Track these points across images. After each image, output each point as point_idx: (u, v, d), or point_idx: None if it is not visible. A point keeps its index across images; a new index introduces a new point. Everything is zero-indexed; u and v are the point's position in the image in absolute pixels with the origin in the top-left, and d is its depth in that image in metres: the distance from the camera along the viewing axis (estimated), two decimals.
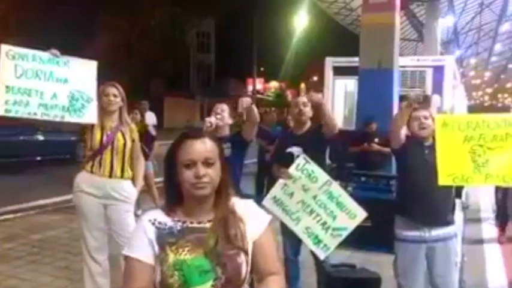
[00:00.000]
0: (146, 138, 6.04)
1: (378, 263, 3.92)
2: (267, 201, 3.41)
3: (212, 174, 1.46)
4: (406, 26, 19.16)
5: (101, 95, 3.38)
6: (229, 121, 3.53)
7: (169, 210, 1.52)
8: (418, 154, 2.99)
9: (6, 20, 19.87)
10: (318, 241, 3.30)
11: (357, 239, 3.45)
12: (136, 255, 1.46)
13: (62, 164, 10.55)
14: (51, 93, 3.31)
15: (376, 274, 3.51)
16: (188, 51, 35.10)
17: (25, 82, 3.23)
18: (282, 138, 3.96)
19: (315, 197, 3.31)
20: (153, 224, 1.48)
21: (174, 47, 29.67)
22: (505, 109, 38.49)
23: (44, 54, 3.32)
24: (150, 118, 8.36)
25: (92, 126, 3.36)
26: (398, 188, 3.54)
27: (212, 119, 3.39)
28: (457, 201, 3.20)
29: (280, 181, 3.41)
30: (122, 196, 3.33)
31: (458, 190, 3.03)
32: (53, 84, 3.32)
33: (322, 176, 3.32)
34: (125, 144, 3.35)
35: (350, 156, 6.85)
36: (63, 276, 4.18)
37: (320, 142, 3.50)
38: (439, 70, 8.86)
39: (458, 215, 3.33)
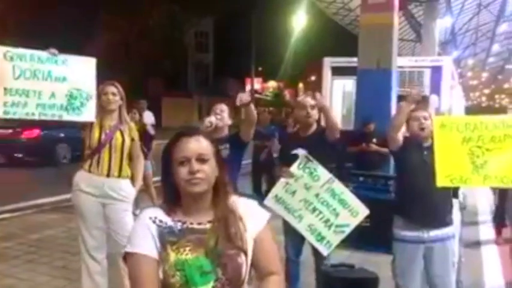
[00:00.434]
0: (144, 138, 6.02)
1: (376, 263, 3.92)
2: (268, 200, 3.41)
3: (206, 170, 1.46)
4: (404, 27, 19.18)
5: (100, 94, 3.37)
6: (229, 122, 3.52)
7: (169, 210, 1.51)
8: (416, 155, 2.99)
9: (5, 20, 19.83)
10: (321, 238, 3.30)
11: (356, 239, 3.45)
12: (142, 251, 1.43)
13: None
14: (49, 93, 3.30)
15: (374, 274, 3.52)
16: (186, 50, 35.08)
17: (23, 83, 3.23)
18: (287, 140, 3.95)
19: (317, 195, 3.31)
20: (154, 221, 1.47)
21: (172, 47, 29.64)
22: (502, 110, 38.60)
23: (42, 54, 3.32)
24: (148, 117, 8.34)
25: (91, 124, 3.35)
26: (397, 189, 3.55)
27: (212, 119, 3.38)
28: (455, 201, 3.21)
29: (282, 180, 3.40)
30: (119, 195, 3.33)
31: (455, 190, 3.04)
32: (51, 84, 3.31)
33: (324, 174, 3.32)
34: (123, 143, 3.34)
35: (349, 156, 6.86)
36: (61, 275, 4.17)
37: (325, 145, 3.47)
38: (437, 71, 8.88)
39: (456, 216, 3.34)
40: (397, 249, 3.07)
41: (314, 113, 3.52)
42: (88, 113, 3.37)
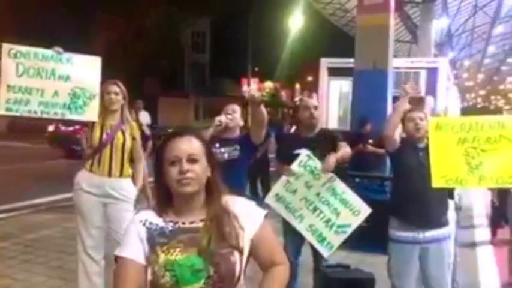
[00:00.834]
0: (141, 138, 6.01)
1: (372, 263, 3.94)
2: (269, 198, 3.40)
3: (197, 170, 1.47)
4: (400, 28, 19.23)
5: (103, 93, 3.35)
6: (241, 123, 3.44)
7: (160, 210, 1.53)
8: (412, 156, 3.00)
9: (1, 19, 19.74)
10: (322, 239, 3.28)
11: (353, 240, 3.46)
12: (129, 255, 1.46)
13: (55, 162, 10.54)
14: (52, 91, 3.30)
15: (371, 274, 3.53)
16: (183, 50, 35.01)
17: (26, 80, 3.24)
18: (286, 140, 3.93)
19: (318, 194, 3.29)
20: (144, 224, 1.49)
21: (169, 47, 29.59)
22: (497, 111, 38.76)
23: (47, 52, 3.32)
24: (144, 117, 8.35)
25: (92, 124, 3.34)
26: (393, 189, 3.56)
27: (222, 118, 3.32)
28: (450, 202, 3.22)
29: (283, 178, 3.38)
30: (121, 195, 3.32)
31: (451, 191, 3.05)
32: (55, 82, 3.31)
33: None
34: (124, 143, 3.34)
35: None
36: (57, 276, 4.16)
37: (330, 147, 3.42)
38: (433, 72, 8.92)
39: (451, 216, 3.36)
40: (393, 249, 3.08)
41: (317, 114, 3.51)
42: (91, 113, 3.36)
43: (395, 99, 6.33)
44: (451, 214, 3.37)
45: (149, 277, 1.43)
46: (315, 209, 3.30)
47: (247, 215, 1.54)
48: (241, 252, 1.47)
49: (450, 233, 3.14)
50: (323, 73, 9.78)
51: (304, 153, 3.34)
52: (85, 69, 3.39)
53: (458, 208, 3.94)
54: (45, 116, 3.34)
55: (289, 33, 24.03)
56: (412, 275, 3.03)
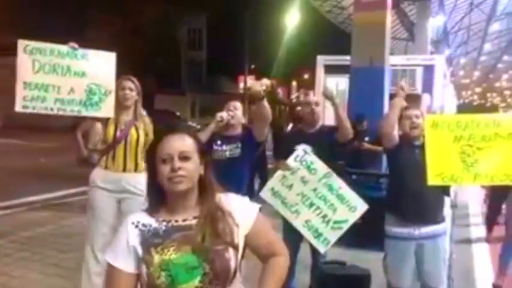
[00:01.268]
0: None
1: (368, 260, 3.95)
2: (264, 192, 3.38)
3: (188, 168, 1.46)
4: (396, 25, 19.27)
5: (117, 88, 3.33)
6: (242, 120, 3.43)
7: (152, 211, 1.52)
8: (409, 153, 3.01)
9: (0, 19, 19.64)
10: (318, 234, 3.27)
11: (349, 237, 3.47)
12: (119, 265, 1.45)
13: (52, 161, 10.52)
14: (68, 88, 3.29)
15: (367, 271, 3.54)
16: (179, 48, 34.90)
17: (42, 77, 3.22)
18: (290, 136, 3.92)
19: (314, 190, 3.28)
20: (137, 226, 1.48)
21: (165, 44, 29.50)
22: (493, 108, 38.88)
23: (62, 48, 3.30)
24: None
25: (106, 120, 3.33)
26: (389, 187, 3.57)
27: (223, 114, 3.30)
28: (446, 199, 3.24)
29: (279, 172, 3.37)
30: (137, 189, 3.29)
31: (446, 188, 3.06)
32: (71, 79, 3.30)
33: (321, 167, 3.29)
34: (137, 139, 3.32)
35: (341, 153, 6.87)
36: (53, 273, 4.16)
37: (331, 144, 3.44)
38: (429, 69, 8.94)
39: (447, 213, 3.37)
40: (388, 246, 3.09)
41: (318, 110, 3.50)
42: (107, 109, 3.34)
43: (392, 96, 6.35)
44: (447, 211, 3.38)
45: (145, 279, 1.43)
46: (311, 205, 3.29)
47: (241, 211, 1.53)
48: (235, 248, 1.47)
49: (446, 230, 3.15)
50: (320, 70, 9.78)
51: (300, 148, 3.33)
52: (100, 65, 3.37)
53: (454, 205, 3.95)
54: (61, 113, 3.32)
55: (286, 31, 24.00)
56: (407, 272, 3.04)
